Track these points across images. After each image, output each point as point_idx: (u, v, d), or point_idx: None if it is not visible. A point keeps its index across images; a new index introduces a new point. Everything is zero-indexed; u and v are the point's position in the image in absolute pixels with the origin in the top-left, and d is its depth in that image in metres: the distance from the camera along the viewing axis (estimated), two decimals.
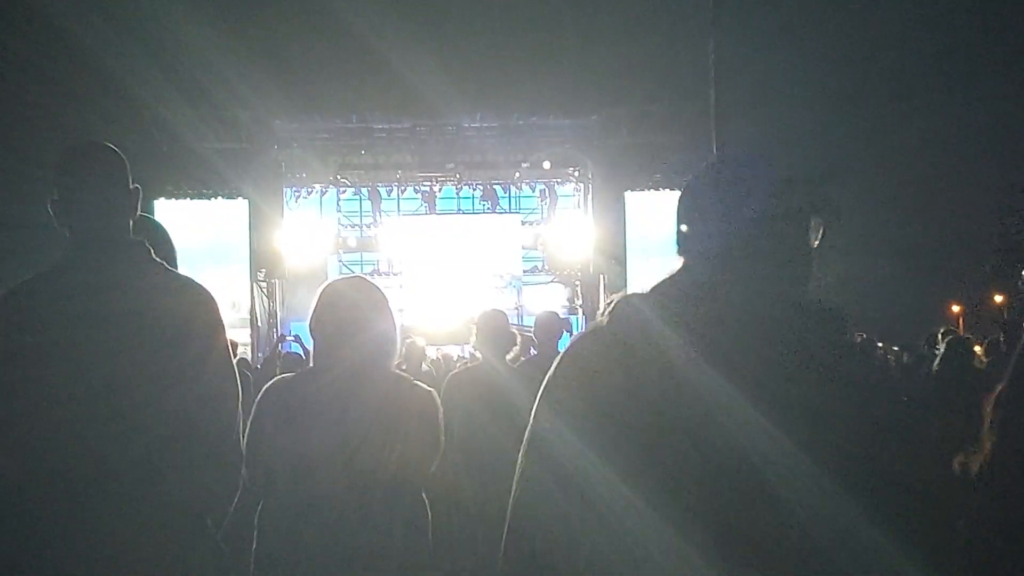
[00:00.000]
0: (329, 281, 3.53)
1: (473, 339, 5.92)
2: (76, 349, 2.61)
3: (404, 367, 8.50)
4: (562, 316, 7.60)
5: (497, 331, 5.79)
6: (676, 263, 1.89)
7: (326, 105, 25.15)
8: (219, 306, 2.89)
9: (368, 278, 3.52)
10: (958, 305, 37.43)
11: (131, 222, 2.83)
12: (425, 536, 3.25)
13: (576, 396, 1.81)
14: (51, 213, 2.76)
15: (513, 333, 5.95)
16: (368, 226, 26.28)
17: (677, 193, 1.93)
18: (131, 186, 2.82)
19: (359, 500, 3.07)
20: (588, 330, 1.93)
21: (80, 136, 2.96)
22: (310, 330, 3.33)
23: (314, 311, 3.33)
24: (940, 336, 9.35)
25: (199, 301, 2.79)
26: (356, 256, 26.38)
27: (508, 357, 5.82)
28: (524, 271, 26.29)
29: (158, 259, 2.83)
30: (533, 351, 7.09)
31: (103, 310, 2.65)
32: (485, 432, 5.19)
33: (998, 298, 38.78)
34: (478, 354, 5.94)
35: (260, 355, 19.95)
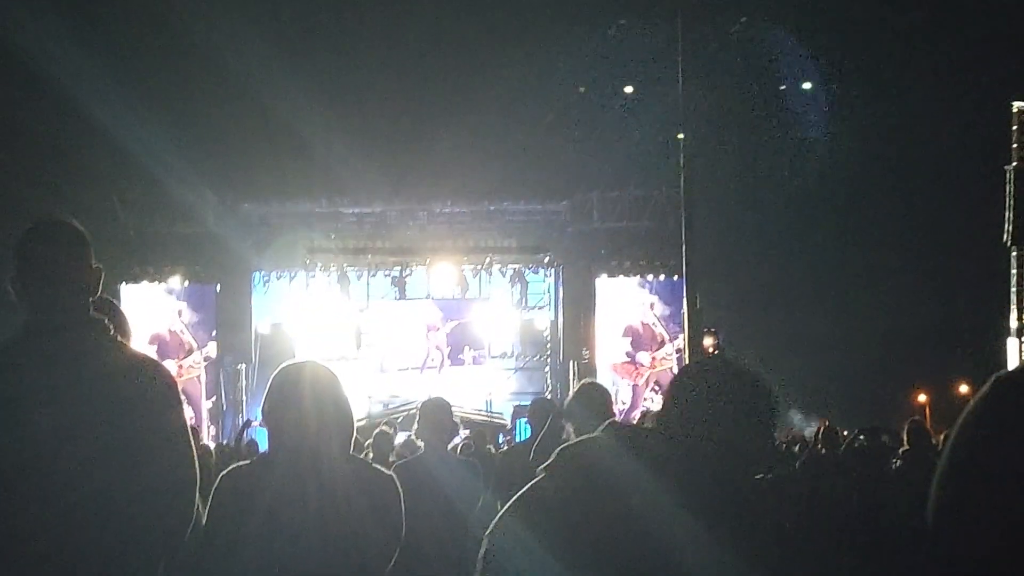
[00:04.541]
0: (280, 366, 3.42)
1: (415, 426, 5.80)
2: (29, 425, 2.53)
3: (371, 456, 8.38)
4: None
5: (440, 420, 5.72)
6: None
7: (295, 189, 25.23)
8: (179, 388, 2.84)
9: (319, 362, 3.44)
10: (925, 394, 37.48)
11: (91, 300, 2.76)
12: None
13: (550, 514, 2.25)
14: (10, 290, 2.71)
15: (455, 422, 5.86)
16: (337, 311, 26.06)
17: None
18: (93, 265, 2.77)
19: None
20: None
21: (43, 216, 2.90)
22: (263, 416, 3.26)
23: (266, 397, 3.24)
24: (906, 430, 9.11)
25: (157, 380, 2.72)
26: (324, 340, 26.06)
27: (449, 447, 5.73)
28: (493, 356, 26.14)
29: (117, 337, 2.77)
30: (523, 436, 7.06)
31: (58, 386, 2.58)
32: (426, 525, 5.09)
33: (964, 388, 38.80)
34: (419, 442, 5.82)
35: (225, 441, 19.68)
